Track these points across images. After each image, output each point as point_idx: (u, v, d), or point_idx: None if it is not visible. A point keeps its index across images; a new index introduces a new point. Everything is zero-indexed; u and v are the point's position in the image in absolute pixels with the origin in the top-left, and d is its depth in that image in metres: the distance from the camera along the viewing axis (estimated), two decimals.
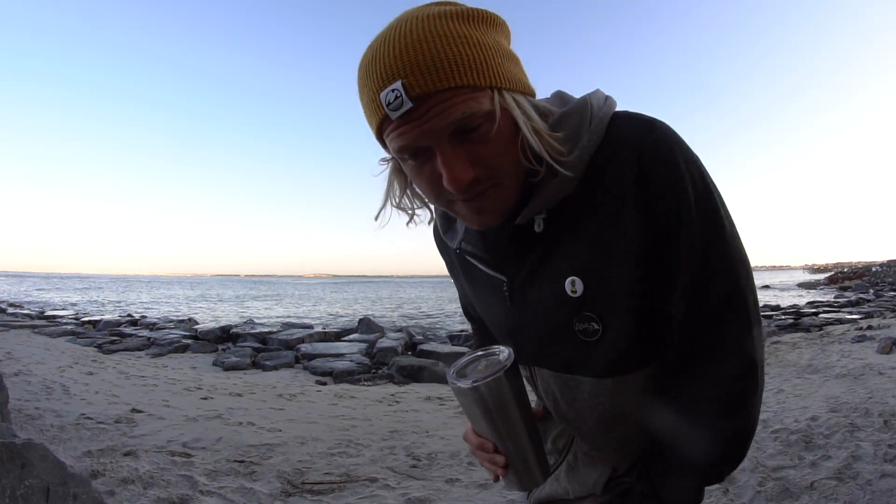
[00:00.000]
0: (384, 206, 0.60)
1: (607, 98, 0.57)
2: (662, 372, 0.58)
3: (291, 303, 32.71)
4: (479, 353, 0.60)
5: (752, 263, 0.56)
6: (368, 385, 6.43)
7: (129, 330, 11.98)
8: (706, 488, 0.61)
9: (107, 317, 15.22)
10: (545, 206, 0.55)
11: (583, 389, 0.60)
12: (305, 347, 9.18)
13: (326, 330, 12.13)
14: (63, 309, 19.65)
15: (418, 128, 0.47)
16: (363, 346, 9.69)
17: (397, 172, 0.59)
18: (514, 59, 0.53)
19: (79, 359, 5.90)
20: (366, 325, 12.56)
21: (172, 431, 3.07)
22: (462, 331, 12.67)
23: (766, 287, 37.98)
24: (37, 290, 41.27)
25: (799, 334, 8.73)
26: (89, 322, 13.29)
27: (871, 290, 22.29)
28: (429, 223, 0.67)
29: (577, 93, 0.61)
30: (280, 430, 3.40)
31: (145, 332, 11.37)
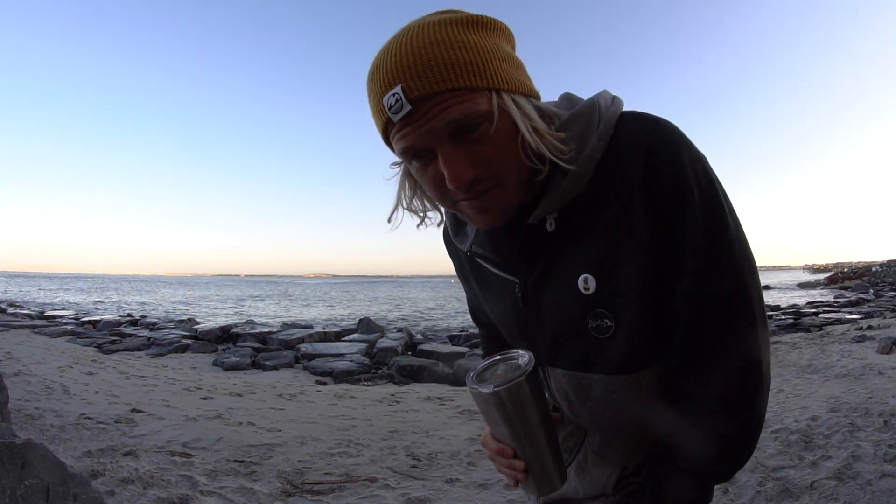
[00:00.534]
0: (396, 207, 0.62)
1: (614, 98, 0.58)
2: (670, 370, 0.58)
3: (291, 303, 32.72)
4: (498, 357, 0.60)
5: None
6: (368, 385, 6.43)
7: (129, 330, 11.98)
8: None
9: (107, 317, 15.22)
10: (557, 205, 0.55)
11: (596, 388, 0.61)
12: (305, 347, 9.18)
13: (326, 330, 12.12)
14: (63, 309, 19.65)
15: (418, 129, 0.49)
16: (363, 346, 9.69)
17: (407, 175, 0.60)
18: (515, 63, 0.54)
19: (79, 359, 5.90)
20: (366, 325, 12.56)
21: (172, 431, 3.07)
22: (462, 331, 12.67)
23: (767, 287, 37.99)
24: (38, 290, 41.27)
25: (799, 334, 8.74)
26: (89, 322, 13.28)
27: (871, 290, 22.31)
28: (438, 225, 0.68)
29: (586, 94, 0.62)
30: (280, 430, 3.39)
31: (145, 332, 11.37)
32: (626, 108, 0.57)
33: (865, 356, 5.13)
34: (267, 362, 7.79)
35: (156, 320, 15.07)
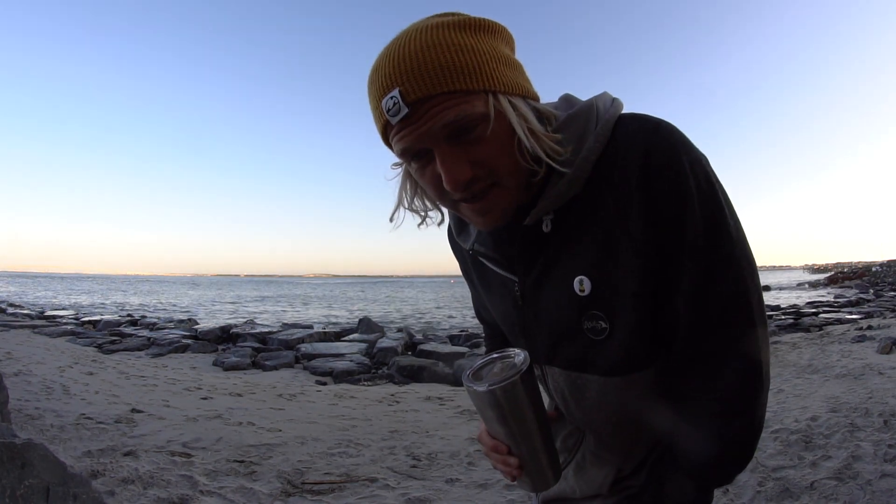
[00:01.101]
0: (397, 208, 0.63)
1: (614, 100, 0.58)
2: (668, 372, 0.58)
3: (291, 303, 32.72)
4: (495, 355, 0.61)
5: None
6: (368, 385, 6.43)
7: (129, 330, 11.99)
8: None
9: (107, 317, 15.22)
10: (552, 206, 0.56)
11: (591, 388, 0.61)
12: (305, 347, 9.19)
13: (326, 330, 12.13)
14: (63, 309, 19.65)
15: (415, 131, 0.50)
16: (363, 346, 9.70)
17: (408, 175, 0.61)
18: (512, 65, 0.54)
19: (79, 359, 5.90)
20: (366, 325, 12.56)
21: (172, 431, 3.07)
22: (462, 331, 12.67)
23: (766, 287, 37.97)
24: (40, 290, 41.27)
25: (799, 334, 8.74)
26: (89, 322, 13.29)
27: (871, 290, 22.31)
28: (438, 224, 0.68)
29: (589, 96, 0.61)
30: (280, 430, 3.40)
31: (145, 332, 11.37)
32: (631, 111, 0.57)
33: (865, 356, 5.13)
34: (267, 362, 7.80)
35: (156, 320, 15.07)
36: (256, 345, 9.71)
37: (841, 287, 30.60)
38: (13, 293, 32.86)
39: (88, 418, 3.16)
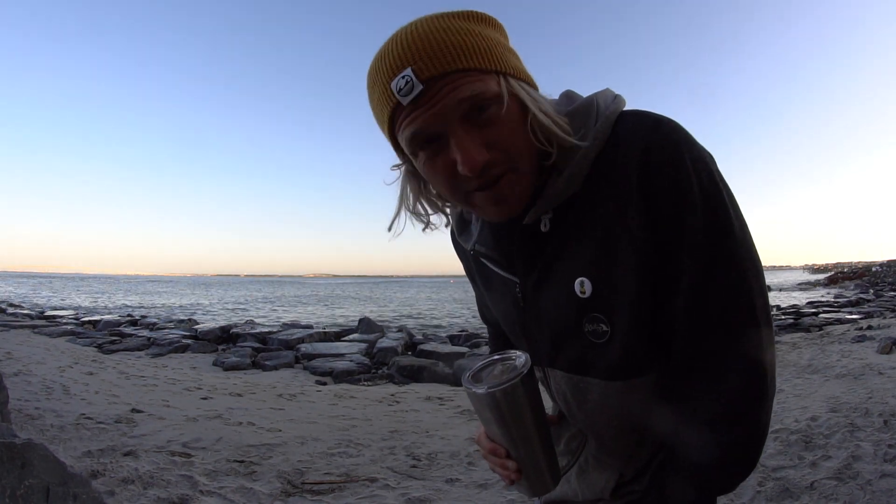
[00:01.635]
0: (398, 213, 0.61)
1: (616, 97, 0.57)
2: (670, 374, 0.57)
3: (291, 302, 32.72)
4: (496, 357, 0.60)
5: None
6: (368, 385, 6.43)
7: (129, 330, 11.98)
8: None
9: (107, 317, 15.21)
10: (551, 205, 0.55)
11: (592, 391, 0.60)
12: (305, 347, 9.18)
13: (326, 330, 12.12)
14: (63, 309, 19.65)
15: (430, 110, 0.48)
16: (363, 346, 9.69)
17: (410, 176, 0.59)
18: (515, 54, 0.55)
19: (79, 359, 5.90)
20: (366, 325, 12.55)
21: (172, 431, 3.07)
22: (462, 331, 12.66)
23: (767, 287, 37.88)
24: (43, 290, 41.26)
25: (799, 334, 8.74)
26: (89, 322, 13.28)
27: (871, 290, 22.29)
28: (445, 226, 0.67)
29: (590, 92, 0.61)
30: (280, 430, 3.40)
31: (145, 332, 11.37)
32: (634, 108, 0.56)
33: (865, 356, 5.13)
34: (267, 362, 7.79)
35: (156, 320, 15.07)
36: (256, 345, 9.70)
37: (841, 287, 30.60)
38: (13, 293, 32.85)
39: (88, 418, 3.16)
